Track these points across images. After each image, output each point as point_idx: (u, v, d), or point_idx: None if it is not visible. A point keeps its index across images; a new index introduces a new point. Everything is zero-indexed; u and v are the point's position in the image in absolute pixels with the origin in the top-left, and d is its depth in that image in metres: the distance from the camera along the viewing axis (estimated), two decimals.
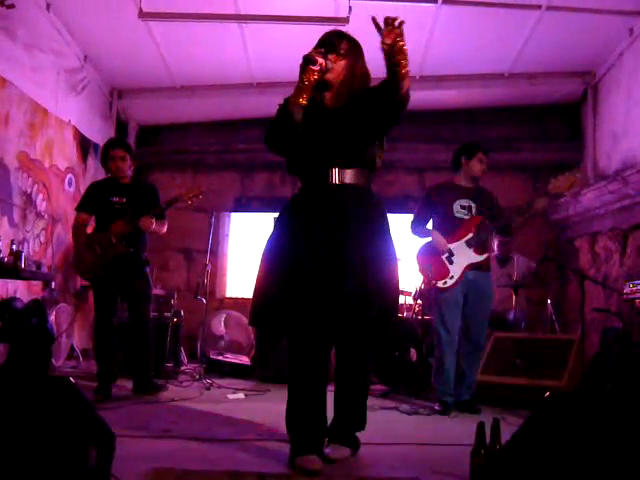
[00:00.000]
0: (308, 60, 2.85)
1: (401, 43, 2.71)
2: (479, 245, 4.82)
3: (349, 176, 3.03)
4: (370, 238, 3.01)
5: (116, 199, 5.07)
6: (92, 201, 5.16)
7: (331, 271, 2.91)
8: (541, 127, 8.17)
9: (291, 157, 3.15)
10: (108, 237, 4.97)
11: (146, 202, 5.13)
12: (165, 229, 5.27)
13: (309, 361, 3.00)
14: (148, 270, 5.27)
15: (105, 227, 5.01)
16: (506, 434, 2.37)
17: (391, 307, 3.07)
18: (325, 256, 2.93)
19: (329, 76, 3.00)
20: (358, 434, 3.17)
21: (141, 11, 6.00)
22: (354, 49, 3.09)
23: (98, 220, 5.12)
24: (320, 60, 2.87)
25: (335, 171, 3.01)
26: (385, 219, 3.15)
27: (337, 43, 3.04)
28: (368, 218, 3.05)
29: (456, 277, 4.79)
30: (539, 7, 6.09)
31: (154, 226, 5.04)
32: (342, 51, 3.03)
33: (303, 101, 2.92)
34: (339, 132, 3.03)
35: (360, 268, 2.93)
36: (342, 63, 3.02)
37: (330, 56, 2.98)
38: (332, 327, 2.93)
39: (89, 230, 5.23)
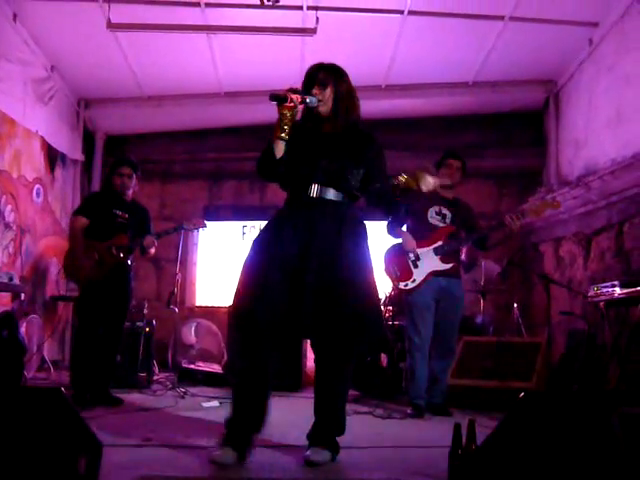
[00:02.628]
0: (278, 98, 3.00)
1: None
2: (446, 254, 4.90)
3: (329, 193, 3.19)
4: (345, 249, 3.14)
5: (119, 213, 5.21)
6: (93, 208, 5.24)
7: (298, 279, 3.05)
8: (505, 134, 8.32)
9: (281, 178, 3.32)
10: (108, 247, 5.07)
11: (142, 223, 5.35)
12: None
13: (257, 356, 3.10)
14: (133, 285, 5.42)
15: (105, 237, 5.11)
16: (478, 435, 2.45)
17: (374, 314, 3.19)
18: (294, 265, 3.07)
19: (321, 108, 3.20)
20: (337, 438, 3.23)
21: (109, 22, 6.00)
22: (334, 74, 3.26)
23: (96, 229, 5.15)
24: (293, 96, 3.02)
25: (316, 186, 3.18)
26: (363, 234, 3.29)
27: (318, 75, 3.22)
28: (344, 231, 3.18)
29: (418, 281, 4.87)
30: (502, 18, 6.24)
31: (154, 247, 5.27)
32: (323, 81, 3.20)
33: (284, 135, 3.09)
34: (326, 153, 3.20)
35: (334, 278, 3.06)
36: (328, 91, 3.20)
37: (314, 90, 3.17)
38: (288, 332, 3.07)
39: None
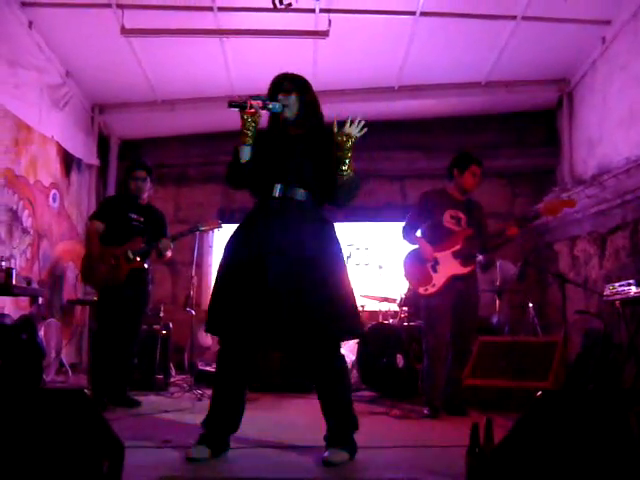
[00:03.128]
0: (238, 105, 3.15)
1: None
2: (465, 257, 4.91)
3: (293, 192, 3.28)
4: (312, 248, 3.20)
5: (135, 216, 5.26)
6: (108, 212, 5.32)
7: (261, 284, 3.12)
8: (518, 134, 8.33)
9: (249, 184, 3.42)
10: (125, 251, 5.10)
11: (158, 226, 5.40)
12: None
13: (232, 362, 3.27)
14: (151, 288, 5.46)
15: (121, 241, 5.15)
16: (494, 435, 2.46)
17: (350, 308, 3.23)
18: (256, 269, 3.15)
19: (287, 113, 3.31)
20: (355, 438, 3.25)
21: (123, 27, 6.06)
22: (299, 83, 3.39)
23: (112, 233, 5.21)
24: (253, 102, 3.15)
25: (278, 186, 3.27)
26: (329, 232, 3.35)
27: (282, 84, 3.35)
28: (309, 230, 3.25)
29: (438, 285, 4.87)
30: (514, 17, 6.24)
31: (170, 250, 5.30)
32: (287, 88, 3.33)
33: (247, 140, 3.22)
34: (291, 155, 3.31)
35: (302, 279, 3.13)
36: (292, 97, 3.31)
37: (280, 96, 3.30)
38: (255, 332, 3.14)
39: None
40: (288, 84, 3.35)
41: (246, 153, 3.24)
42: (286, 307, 3.07)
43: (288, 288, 3.10)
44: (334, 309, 3.14)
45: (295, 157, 3.29)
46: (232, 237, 3.36)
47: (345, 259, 3.41)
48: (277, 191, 3.26)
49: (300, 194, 3.27)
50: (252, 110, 3.15)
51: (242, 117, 3.18)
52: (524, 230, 4.97)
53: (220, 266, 3.32)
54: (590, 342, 5.67)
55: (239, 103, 3.14)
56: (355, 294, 3.33)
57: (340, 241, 3.37)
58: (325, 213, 3.41)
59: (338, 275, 3.25)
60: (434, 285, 4.88)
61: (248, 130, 3.20)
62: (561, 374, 5.20)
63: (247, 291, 3.12)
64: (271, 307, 3.08)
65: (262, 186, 3.32)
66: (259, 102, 3.18)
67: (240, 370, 3.29)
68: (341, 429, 3.23)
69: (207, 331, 3.31)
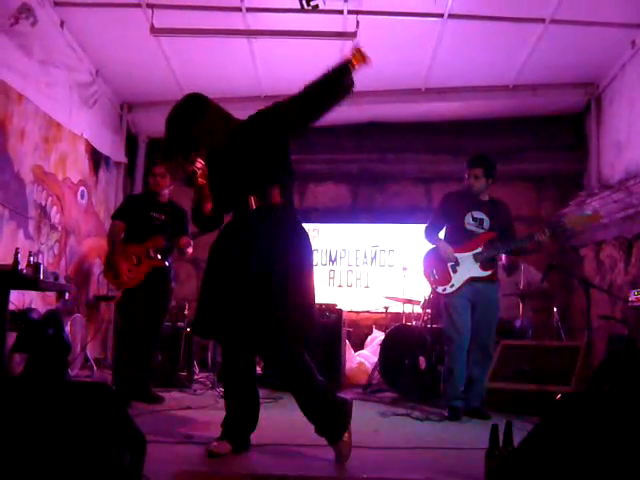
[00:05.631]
0: (190, 180, 3.36)
1: None
2: (485, 261, 4.90)
3: (265, 199, 3.33)
4: (277, 251, 3.26)
5: (156, 215, 5.31)
6: (130, 212, 5.38)
7: (238, 283, 3.22)
8: (545, 137, 8.25)
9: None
10: (146, 249, 5.15)
11: (179, 223, 5.40)
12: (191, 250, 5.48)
13: (230, 363, 3.43)
14: (173, 285, 5.49)
15: (141, 239, 5.21)
16: (515, 439, 2.47)
17: (296, 308, 3.23)
18: (234, 270, 3.25)
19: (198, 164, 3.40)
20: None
21: (153, 27, 6.12)
22: (189, 117, 3.54)
23: (133, 231, 5.28)
24: (197, 166, 3.35)
25: (252, 199, 3.33)
26: (297, 233, 3.40)
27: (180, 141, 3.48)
28: (279, 233, 3.31)
29: (457, 286, 4.89)
30: (543, 20, 6.20)
31: (190, 247, 5.32)
32: (190, 140, 3.43)
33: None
34: (240, 169, 3.39)
35: (264, 278, 3.18)
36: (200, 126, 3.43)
37: (192, 154, 3.40)
38: (242, 334, 3.23)
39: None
40: (183, 114, 3.54)
41: (209, 205, 3.44)
42: (231, 308, 3.19)
43: (242, 294, 3.18)
44: (284, 323, 3.16)
45: (245, 170, 3.36)
46: (213, 249, 3.44)
47: (310, 262, 3.41)
48: (251, 204, 3.32)
49: (270, 198, 3.32)
50: (200, 172, 3.35)
51: (195, 187, 3.38)
52: (553, 238, 4.94)
53: (204, 276, 3.45)
54: (614, 347, 5.62)
55: (190, 178, 3.35)
56: (309, 302, 3.33)
57: (307, 244, 3.39)
58: (294, 215, 3.44)
59: (293, 282, 3.25)
60: (452, 286, 4.90)
61: (202, 183, 3.38)
62: (584, 379, 5.17)
63: (216, 295, 3.28)
64: (224, 307, 3.21)
65: (235, 202, 3.41)
66: (199, 162, 3.35)
67: (238, 370, 3.39)
68: (320, 429, 3.23)
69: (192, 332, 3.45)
